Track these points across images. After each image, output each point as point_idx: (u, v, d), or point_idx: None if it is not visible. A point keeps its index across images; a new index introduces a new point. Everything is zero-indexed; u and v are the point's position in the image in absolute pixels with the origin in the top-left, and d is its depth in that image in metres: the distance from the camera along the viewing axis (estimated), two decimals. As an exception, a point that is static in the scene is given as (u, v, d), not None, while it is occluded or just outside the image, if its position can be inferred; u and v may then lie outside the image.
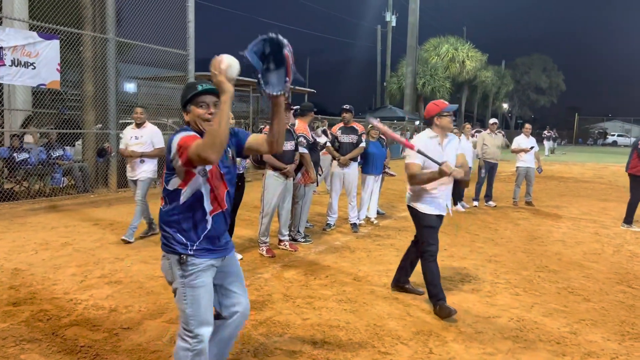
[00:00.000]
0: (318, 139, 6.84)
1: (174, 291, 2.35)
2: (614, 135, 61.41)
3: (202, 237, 2.32)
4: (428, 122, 4.06)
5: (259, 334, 3.50)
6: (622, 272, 5.32)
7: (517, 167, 9.91)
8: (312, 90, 19.93)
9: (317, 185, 8.01)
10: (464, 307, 4.11)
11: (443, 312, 3.85)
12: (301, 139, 6.00)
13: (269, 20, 53.24)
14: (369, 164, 7.44)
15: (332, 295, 4.29)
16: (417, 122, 28.65)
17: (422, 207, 4.01)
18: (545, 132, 29.66)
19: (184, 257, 2.28)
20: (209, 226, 2.33)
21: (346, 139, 6.98)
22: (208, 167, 2.27)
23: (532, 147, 9.86)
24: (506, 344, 3.43)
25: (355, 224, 7.14)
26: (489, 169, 9.58)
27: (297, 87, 18.22)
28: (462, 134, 9.25)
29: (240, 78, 2.42)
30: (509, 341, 3.48)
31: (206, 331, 2.33)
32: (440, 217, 4.07)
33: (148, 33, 10.60)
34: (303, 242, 6.22)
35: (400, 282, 4.44)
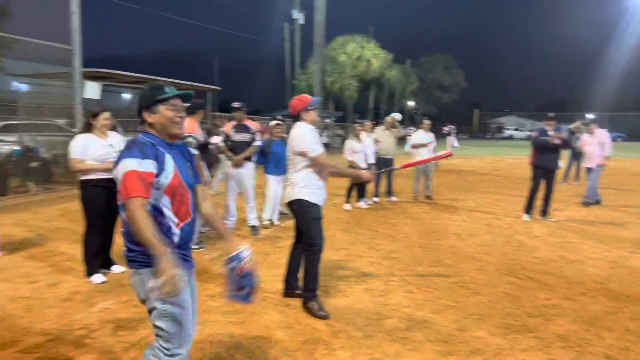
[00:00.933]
0: (212, 139, 6.47)
1: (150, 310, 2.21)
2: (510, 129, 65.76)
3: (173, 248, 2.18)
4: (295, 118, 3.98)
5: (129, 358, 3.12)
6: (510, 263, 5.48)
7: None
8: (217, 87, 19.32)
9: (212, 187, 7.62)
10: (355, 309, 3.98)
11: (316, 309, 3.82)
12: (190, 139, 5.62)
13: (172, 16, 51.24)
14: (272, 164, 7.18)
15: (218, 307, 3.98)
16: (326, 120, 28.85)
17: (312, 198, 3.88)
18: (445, 128, 31.00)
19: None
20: (176, 239, 2.23)
21: (239, 137, 6.66)
22: (163, 182, 2.16)
23: (430, 142, 10.12)
24: (394, 347, 3.32)
25: (254, 226, 6.85)
26: (385, 165, 9.67)
27: (200, 85, 17.56)
28: (363, 131, 9.28)
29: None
30: (397, 344, 3.37)
31: (187, 350, 2.28)
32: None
33: (30, 26, 9.63)
34: (197, 248, 5.82)
35: (292, 288, 4.23)
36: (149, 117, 2.25)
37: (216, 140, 6.57)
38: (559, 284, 4.71)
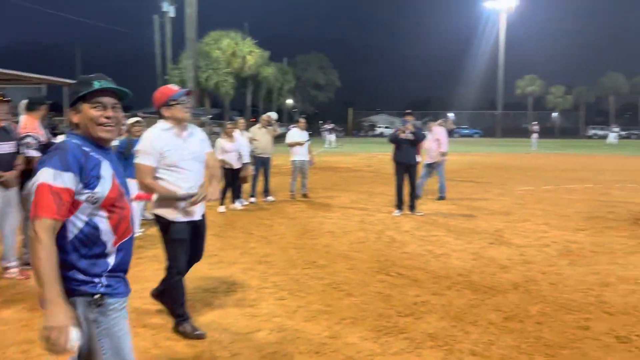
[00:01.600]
0: (58, 139, 5.67)
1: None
2: (381, 127, 69.17)
3: (108, 271, 1.88)
4: (159, 114, 3.45)
5: None
6: (382, 260, 5.52)
7: (293, 160, 10.00)
8: (70, 80, 17.58)
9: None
10: (223, 324, 3.65)
11: (188, 331, 3.40)
12: (29, 139, 4.85)
13: (28, 4, 46.05)
14: (132, 166, 6.51)
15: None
16: (203, 118, 27.86)
17: (168, 214, 3.39)
18: (326, 125, 31.89)
19: (98, 297, 1.82)
20: (112, 261, 1.89)
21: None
22: (100, 195, 1.82)
23: (307, 141, 10.07)
24: (263, 365, 3.06)
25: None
26: (262, 164, 9.43)
27: (52, 78, 15.84)
28: (237, 129, 8.92)
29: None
30: (266, 360, 3.12)
31: None
32: (192, 223, 3.50)
33: None
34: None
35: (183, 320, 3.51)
36: (74, 117, 1.91)
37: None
38: (427, 279, 4.80)
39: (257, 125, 9.73)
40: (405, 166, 8.10)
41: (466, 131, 67.93)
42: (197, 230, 3.56)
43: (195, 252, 3.62)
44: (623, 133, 68.66)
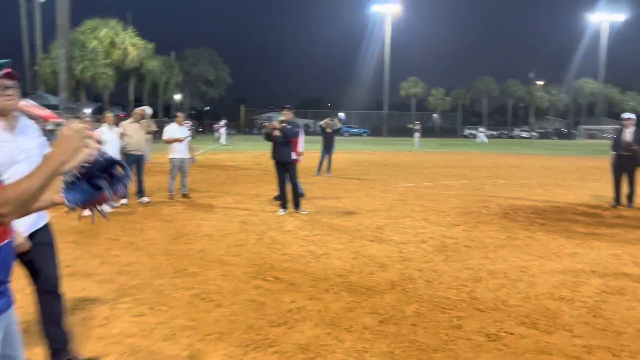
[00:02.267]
0: None
1: None
2: (273, 125, 68.75)
3: None
4: None
5: None
6: (260, 263, 5.18)
7: (171, 158, 9.33)
8: None
9: None
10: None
11: None
12: None
13: None
14: None
15: None
16: (79, 112, 25.58)
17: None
18: (221, 122, 31.05)
19: None
20: None
21: None
22: None
23: (187, 137, 9.44)
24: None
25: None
26: (135, 162, 8.65)
27: None
28: (104, 124, 8.10)
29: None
30: (107, 394, 2.63)
31: None
32: (33, 235, 2.76)
33: None
34: None
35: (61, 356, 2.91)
36: None
37: None
38: (305, 282, 4.55)
39: (129, 120, 8.92)
40: (281, 164, 7.87)
41: (355, 130, 70.11)
42: (35, 248, 2.73)
43: (38, 277, 2.80)
44: (494, 133, 75.27)
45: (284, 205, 8.02)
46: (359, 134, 68.53)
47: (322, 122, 14.30)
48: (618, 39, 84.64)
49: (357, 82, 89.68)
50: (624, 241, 6.39)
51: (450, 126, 76.68)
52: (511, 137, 73.41)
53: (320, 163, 14.04)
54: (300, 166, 15.04)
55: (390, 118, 73.62)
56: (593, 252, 5.79)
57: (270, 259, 5.35)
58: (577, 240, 6.42)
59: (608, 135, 68.94)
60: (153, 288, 4.36)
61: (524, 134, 74.48)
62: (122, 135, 8.53)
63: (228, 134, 36.33)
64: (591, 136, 68.90)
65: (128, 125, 8.75)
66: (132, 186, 8.71)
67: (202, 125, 59.14)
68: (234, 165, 17.06)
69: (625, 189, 9.09)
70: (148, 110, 9.22)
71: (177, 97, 58.54)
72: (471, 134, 73.66)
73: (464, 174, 15.39)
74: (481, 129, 40.02)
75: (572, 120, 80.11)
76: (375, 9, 68.41)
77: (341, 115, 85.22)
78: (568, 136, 74.19)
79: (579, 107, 78.30)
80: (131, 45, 31.97)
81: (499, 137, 73.30)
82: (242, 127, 67.83)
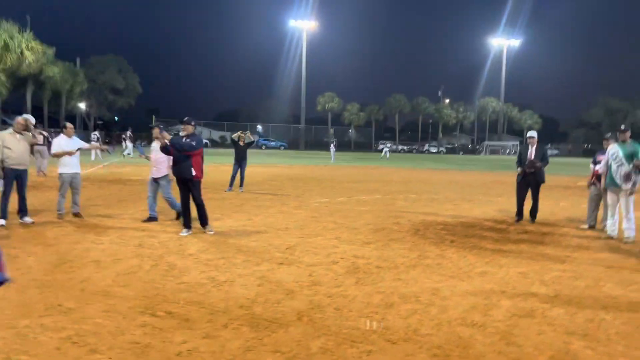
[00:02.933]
0: None
1: None
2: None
3: None
4: None
5: None
6: (151, 295, 4.58)
7: (60, 173, 8.37)
8: None
9: None
10: None
11: None
12: None
13: None
14: None
15: None
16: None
17: None
18: (128, 133, 29.37)
19: None
20: None
21: None
22: None
23: (78, 149, 8.53)
24: None
25: None
26: (16, 178, 7.66)
27: None
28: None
29: None
30: None
31: None
32: None
33: None
34: None
35: None
36: None
37: None
38: (201, 317, 4.04)
39: (9, 131, 7.88)
40: (181, 181, 7.30)
41: (273, 144, 69.83)
42: None
43: None
44: (405, 148, 78.15)
45: (187, 225, 7.40)
46: (277, 147, 68.33)
47: (234, 135, 13.75)
48: (516, 61, 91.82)
49: (275, 95, 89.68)
50: (529, 258, 6.47)
51: (365, 141, 78.61)
52: (422, 152, 76.64)
53: (232, 177, 13.44)
54: (213, 181, 14.48)
55: (307, 132, 74.15)
56: (502, 271, 5.77)
57: (164, 289, 4.76)
58: (486, 257, 6.42)
59: (508, 152, 74.26)
60: (16, 331, 3.65)
61: (433, 149, 78.12)
62: (2, 148, 7.52)
63: (138, 146, 34.48)
64: (494, 152, 73.68)
65: (8, 136, 7.73)
66: (12, 204, 7.73)
67: (111, 136, 55.94)
68: (139, 180, 15.95)
69: (528, 204, 9.42)
70: (31, 119, 8.19)
71: (82, 105, 55.05)
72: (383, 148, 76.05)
73: (377, 188, 15.47)
74: (388, 144, 40.73)
75: (477, 136, 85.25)
76: (292, 23, 68.91)
77: (259, 128, 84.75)
78: (473, 151, 78.78)
79: (483, 124, 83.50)
80: (27, 49, 29.42)
81: (410, 152, 76.27)
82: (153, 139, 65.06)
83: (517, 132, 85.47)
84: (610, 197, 7.97)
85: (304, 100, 71.07)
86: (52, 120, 43.91)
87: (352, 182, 17.46)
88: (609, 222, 8.04)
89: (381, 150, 71.89)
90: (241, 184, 13.54)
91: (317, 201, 11.82)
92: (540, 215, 9.70)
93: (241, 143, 13.54)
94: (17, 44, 28.53)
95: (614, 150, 7.86)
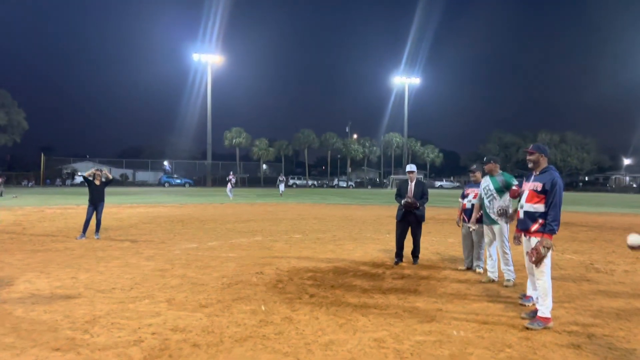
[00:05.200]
0: None
1: None
2: (81, 175, 62.33)
3: None
4: None
5: None
6: None
7: None
8: None
9: None
10: None
11: None
12: None
13: None
14: None
15: None
16: None
17: None
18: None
19: None
20: None
21: None
22: None
23: None
24: None
25: None
26: None
27: None
28: None
29: None
30: None
31: None
32: None
33: None
34: None
35: None
36: None
37: None
38: None
39: None
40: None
41: (178, 181, 66.77)
42: None
43: None
44: (315, 182, 78.11)
45: (-38, 294, 5.58)
46: (182, 185, 65.32)
47: (87, 173, 11.87)
48: (417, 99, 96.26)
49: (180, 131, 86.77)
50: (394, 315, 5.39)
51: (276, 176, 77.68)
52: (332, 186, 76.89)
53: (86, 222, 11.48)
54: (66, 226, 12.49)
55: (214, 168, 71.83)
56: (354, 338, 4.59)
57: None
58: (342, 318, 5.24)
59: (386, 183, 76.32)
60: None
61: (343, 184, 78.75)
62: None
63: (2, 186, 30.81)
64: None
65: None
66: None
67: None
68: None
69: (406, 246, 8.53)
70: None
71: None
72: (295, 183, 75.44)
73: (262, 228, 14.13)
74: (281, 178, 38.70)
75: (383, 170, 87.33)
76: (195, 57, 67.20)
77: (166, 164, 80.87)
78: (381, 185, 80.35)
79: (389, 158, 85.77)
80: None
81: (321, 186, 76.23)
82: (42, 178, 59.66)
83: (421, 166, 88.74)
84: (486, 235, 7.21)
85: (210, 136, 69.09)
86: None
87: (238, 222, 15.97)
88: (489, 263, 7.26)
89: (292, 185, 71.10)
90: (97, 230, 11.63)
91: (183, 247, 10.23)
92: (423, 255, 8.84)
93: (97, 182, 11.71)
94: None
95: (485, 184, 7.15)
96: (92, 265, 8.06)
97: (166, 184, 65.03)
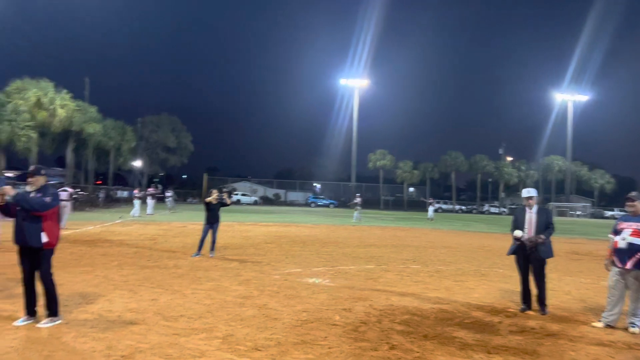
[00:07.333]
0: None
1: None
2: (238, 194, 67.10)
3: None
4: None
5: None
6: None
7: None
8: None
9: None
10: None
11: None
12: None
13: None
14: None
15: None
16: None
17: None
18: (135, 192, 28.49)
19: None
20: None
21: None
22: None
23: None
24: None
25: None
26: None
27: None
28: None
29: None
30: None
31: None
32: None
33: None
34: None
35: None
36: None
37: None
38: None
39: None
40: (26, 251, 5.44)
41: (323, 202, 68.36)
42: None
43: None
44: (464, 208, 74.13)
45: (29, 312, 5.51)
46: (326, 205, 66.69)
47: (211, 198, 12.06)
48: (583, 118, 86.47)
49: (327, 153, 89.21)
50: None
51: (417, 199, 75.52)
52: (481, 212, 72.12)
53: (201, 241, 11.63)
54: (194, 242, 12.71)
55: (357, 189, 72.21)
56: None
57: None
58: (415, 386, 4.01)
59: (578, 214, 68.21)
60: None
61: (494, 210, 73.36)
62: None
63: (174, 200, 33.86)
64: (561, 213, 67.97)
65: None
66: None
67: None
68: (118, 241, 14.45)
69: (533, 288, 6.84)
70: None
71: (136, 163, 56.47)
72: (440, 207, 72.36)
73: (381, 255, 13.04)
74: (431, 201, 36.15)
75: (541, 196, 79.55)
76: (343, 82, 68.79)
77: (316, 186, 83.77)
78: (538, 212, 72.90)
79: (548, 183, 78.04)
80: (60, 107, 29.94)
81: (469, 212, 71.96)
82: (203, 196, 65.62)
83: (588, 193, 79.04)
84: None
85: (355, 158, 69.68)
86: (100, 175, 44.80)
87: (359, 247, 15.05)
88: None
89: (438, 210, 68.14)
90: (212, 248, 11.70)
91: (285, 272, 9.64)
92: (561, 302, 7.06)
93: (213, 202, 11.82)
94: (49, 101, 29.18)
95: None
96: (182, 287, 7.81)
97: (312, 204, 66.88)
